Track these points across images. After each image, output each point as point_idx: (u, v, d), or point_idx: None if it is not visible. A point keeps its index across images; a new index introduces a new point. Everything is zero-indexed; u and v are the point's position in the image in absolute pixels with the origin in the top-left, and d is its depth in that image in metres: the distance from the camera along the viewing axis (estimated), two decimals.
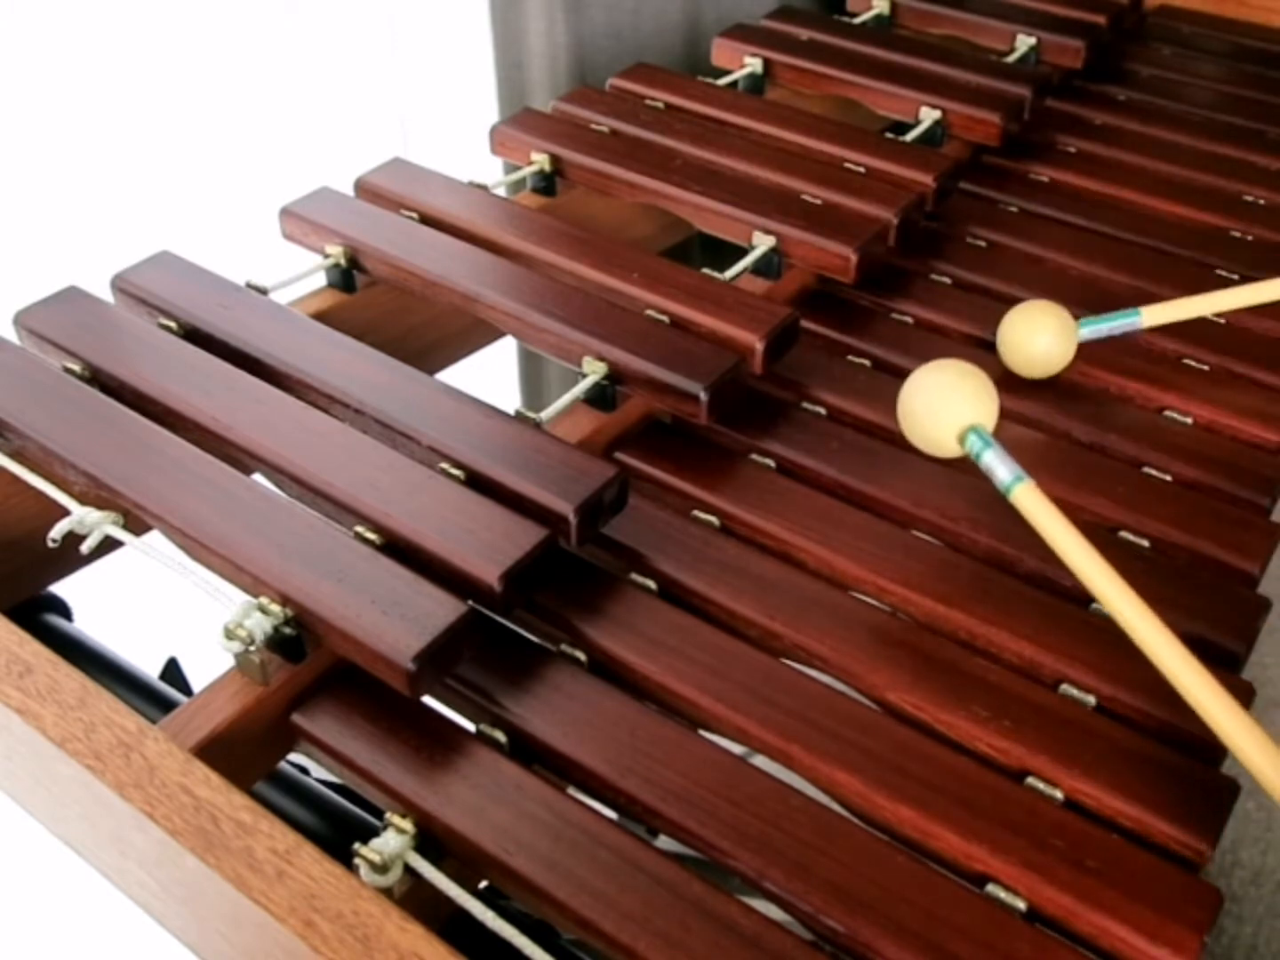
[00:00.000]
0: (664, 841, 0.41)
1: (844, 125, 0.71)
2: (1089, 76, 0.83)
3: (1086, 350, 0.58)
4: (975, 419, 0.49)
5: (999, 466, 0.47)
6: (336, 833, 0.44)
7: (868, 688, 0.44)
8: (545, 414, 0.51)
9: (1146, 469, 0.53)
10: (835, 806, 0.40)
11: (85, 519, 0.45)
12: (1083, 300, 0.62)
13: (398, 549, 0.44)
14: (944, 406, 0.49)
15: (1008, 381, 0.58)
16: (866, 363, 0.59)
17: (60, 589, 0.54)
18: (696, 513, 0.51)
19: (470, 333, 0.65)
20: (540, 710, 0.42)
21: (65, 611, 0.54)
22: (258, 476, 0.48)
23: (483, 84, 0.87)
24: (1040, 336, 0.56)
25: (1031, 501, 0.46)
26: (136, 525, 0.46)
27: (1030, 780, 0.41)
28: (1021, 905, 0.37)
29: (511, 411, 0.50)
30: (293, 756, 0.45)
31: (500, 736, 0.42)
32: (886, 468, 0.53)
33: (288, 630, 0.42)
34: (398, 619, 0.40)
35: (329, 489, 0.46)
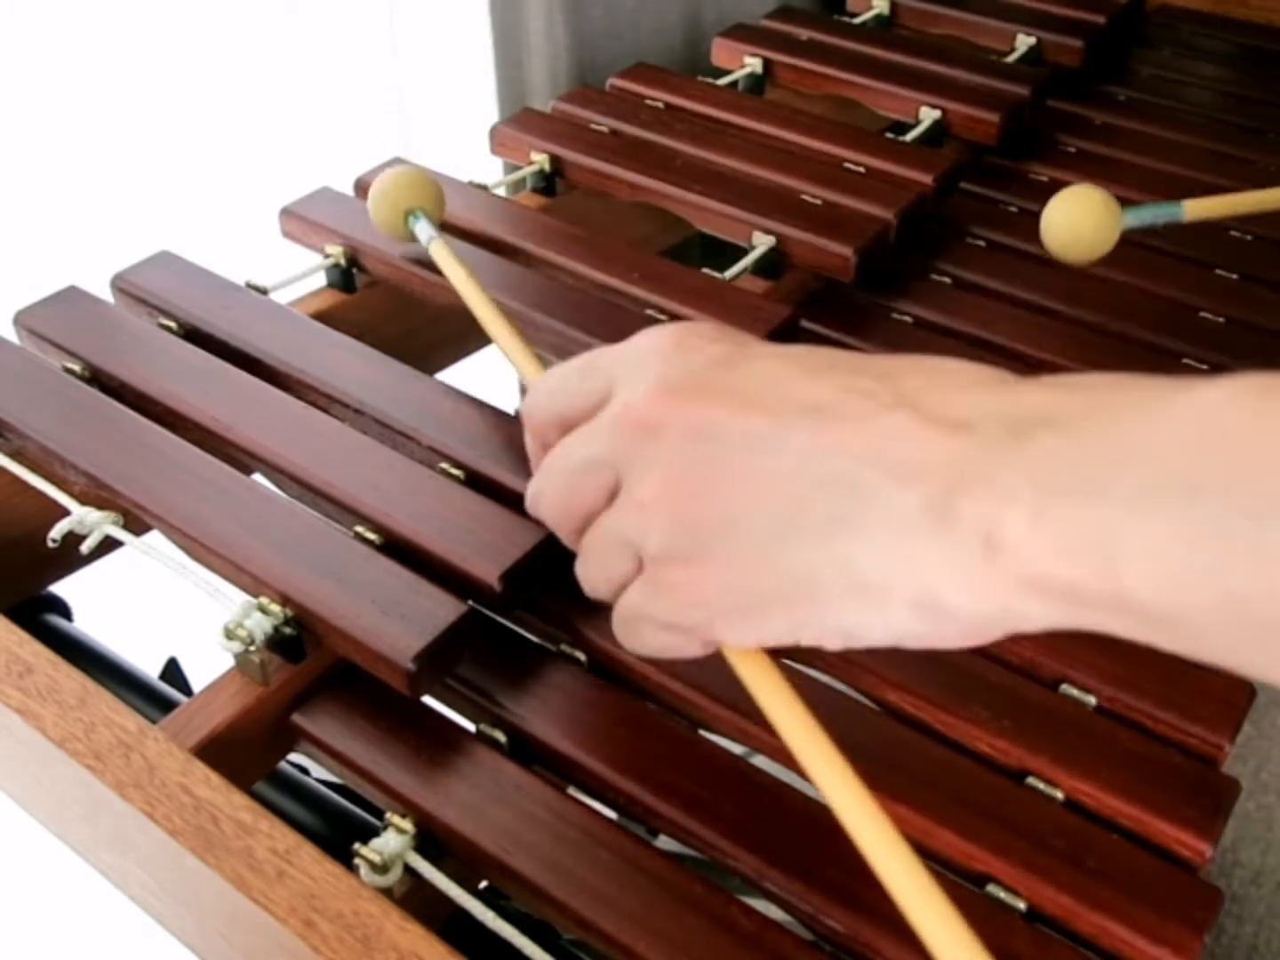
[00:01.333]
0: (664, 841, 0.41)
1: (844, 125, 0.71)
2: (1089, 76, 0.83)
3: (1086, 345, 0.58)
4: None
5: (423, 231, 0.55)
6: (336, 833, 0.44)
7: (868, 688, 0.44)
8: None
9: None
10: None
11: (85, 519, 0.45)
12: (1082, 300, 0.62)
13: (398, 549, 0.44)
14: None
15: None
16: None
17: (60, 589, 0.54)
18: None
19: (470, 333, 0.65)
20: (540, 710, 0.42)
21: (65, 611, 0.54)
22: (258, 476, 0.48)
23: (483, 84, 0.87)
24: (1086, 218, 0.58)
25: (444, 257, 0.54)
26: (136, 525, 0.46)
27: (1030, 780, 0.41)
28: (1021, 905, 0.37)
29: (511, 411, 0.50)
30: (293, 756, 0.45)
31: (500, 736, 0.42)
32: None
33: (288, 630, 0.42)
34: (398, 619, 0.40)
35: (329, 489, 0.46)
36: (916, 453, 0.30)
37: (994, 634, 0.31)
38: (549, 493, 0.38)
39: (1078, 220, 0.59)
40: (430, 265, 0.55)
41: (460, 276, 0.52)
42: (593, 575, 0.37)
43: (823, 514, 0.31)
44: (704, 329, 0.36)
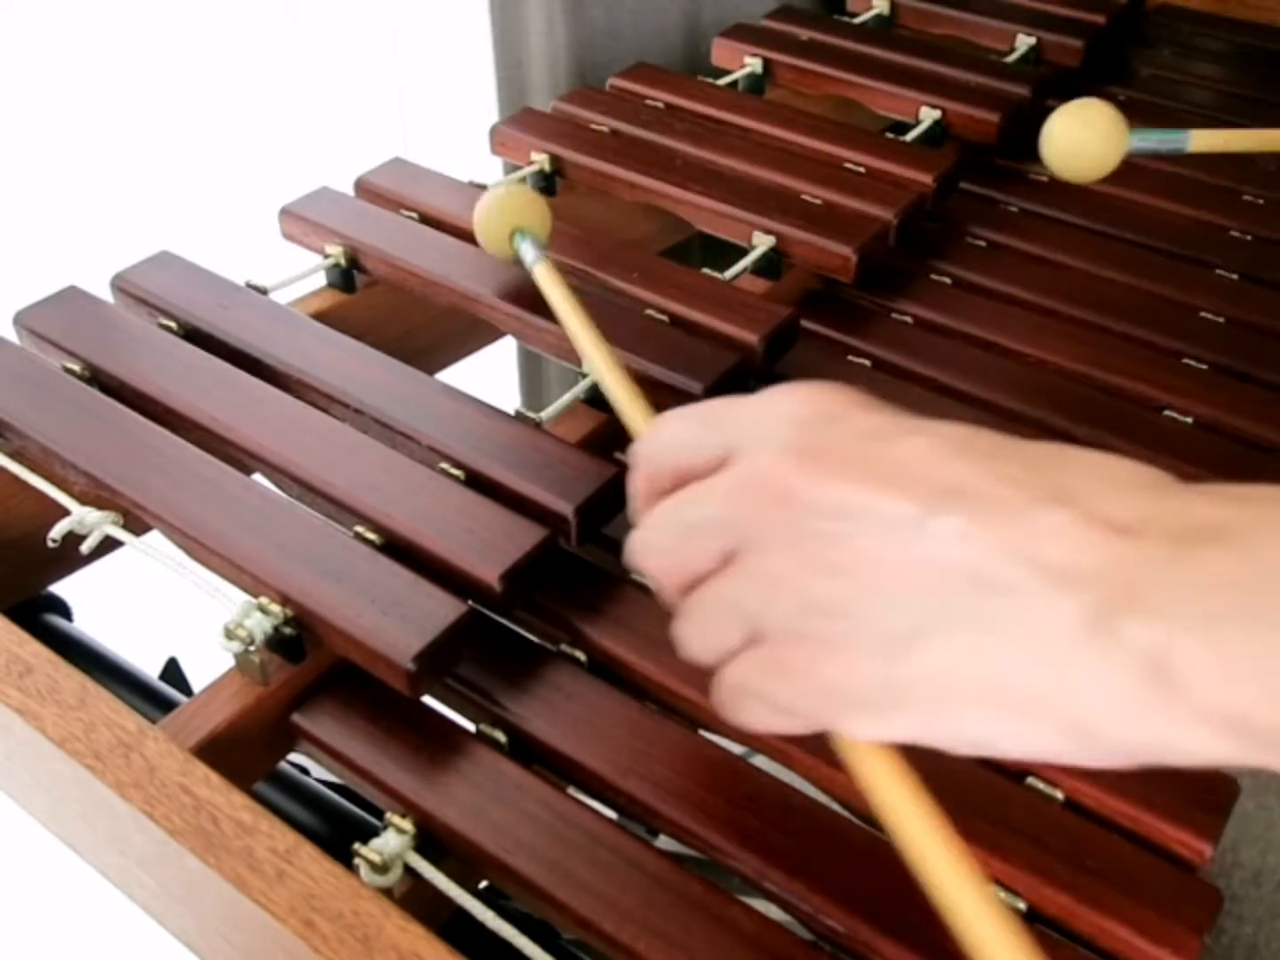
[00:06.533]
0: (664, 841, 0.41)
1: (844, 125, 0.71)
2: (1089, 76, 0.83)
3: (1087, 345, 0.58)
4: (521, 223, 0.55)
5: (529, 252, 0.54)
6: (336, 833, 0.44)
7: None
8: (545, 414, 0.51)
9: None
10: (835, 806, 0.40)
11: (85, 519, 0.45)
12: (1082, 300, 0.62)
13: (398, 549, 0.44)
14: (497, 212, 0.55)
15: (1006, 376, 0.58)
16: (866, 363, 0.59)
17: (60, 589, 0.54)
18: None
19: (470, 333, 0.65)
20: (540, 710, 0.42)
21: (65, 611, 0.54)
22: (258, 476, 0.48)
23: (483, 84, 0.87)
24: (1091, 139, 0.57)
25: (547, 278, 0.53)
26: (136, 525, 0.46)
27: (1030, 780, 0.41)
28: (1021, 905, 0.37)
29: (511, 411, 0.50)
30: (293, 756, 0.45)
31: (500, 736, 0.42)
32: None
33: (288, 630, 0.42)
34: (398, 619, 0.40)
35: (329, 489, 0.46)
36: (1077, 555, 0.27)
37: (1151, 760, 0.28)
38: (657, 546, 0.34)
39: (1080, 138, 0.58)
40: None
41: (562, 303, 0.51)
42: (697, 639, 0.34)
43: (965, 609, 0.28)
44: (844, 396, 0.33)
